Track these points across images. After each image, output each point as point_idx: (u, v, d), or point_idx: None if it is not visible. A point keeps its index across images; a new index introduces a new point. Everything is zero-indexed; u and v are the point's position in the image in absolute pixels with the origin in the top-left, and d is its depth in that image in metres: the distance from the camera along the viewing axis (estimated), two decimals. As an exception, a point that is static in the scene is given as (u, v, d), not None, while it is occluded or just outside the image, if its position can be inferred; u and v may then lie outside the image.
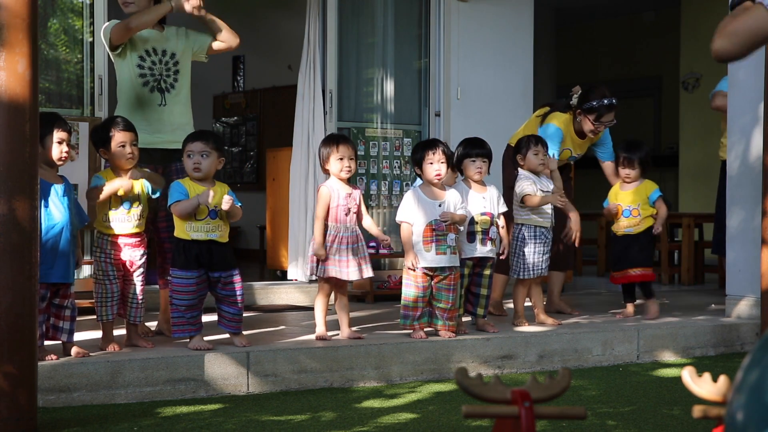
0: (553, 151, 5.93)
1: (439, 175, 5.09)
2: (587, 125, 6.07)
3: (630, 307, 6.09)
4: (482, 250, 5.33)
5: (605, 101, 6.03)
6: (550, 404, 2.11)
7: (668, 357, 5.66)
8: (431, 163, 5.09)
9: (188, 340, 4.65)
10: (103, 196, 4.57)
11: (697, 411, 2.00)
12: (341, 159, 5.01)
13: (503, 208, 5.45)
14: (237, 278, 4.67)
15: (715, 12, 9.76)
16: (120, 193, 4.61)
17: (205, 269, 4.59)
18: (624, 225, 6.02)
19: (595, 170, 6.08)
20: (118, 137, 4.65)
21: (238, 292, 4.67)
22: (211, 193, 4.55)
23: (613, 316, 6.14)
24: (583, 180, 7.49)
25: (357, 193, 5.11)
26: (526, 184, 5.61)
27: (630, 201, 6.00)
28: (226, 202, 4.57)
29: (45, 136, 4.28)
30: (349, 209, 5.02)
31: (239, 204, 4.68)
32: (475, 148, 5.40)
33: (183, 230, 4.60)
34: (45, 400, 4.06)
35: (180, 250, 4.60)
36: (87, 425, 3.85)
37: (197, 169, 4.62)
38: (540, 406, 2.03)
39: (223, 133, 11.66)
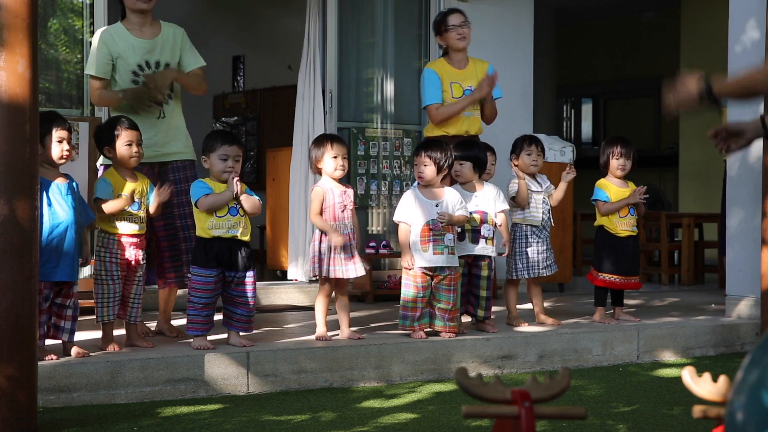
0: (435, 94, 5.83)
1: (420, 177, 5.10)
2: (448, 37, 5.94)
3: (603, 311, 5.90)
4: (474, 248, 5.33)
5: (443, 10, 6.09)
6: (550, 404, 2.11)
7: (668, 357, 5.66)
8: (415, 165, 5.13)
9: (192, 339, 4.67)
10: (110, 210, 4.59)
11: (697, 411, 2.00)
12: (335, 158, 5.01)
13: (503, 206, 5.45)
14: (250, 279, 4.70)
15: (715, 12, 9.75)
16: (126, 205, 4.64)
17: (223, 268, 4.62)
18: (630, 224, 5.86)
19: (597, 170, 6.03)
20: (126, 135, 4.67)
21: (249, 294, 4.71)
22: (236, 181, 4.58)
23: (612, 317, 6.05)
24: (583, 180, 7.47)
25: (351, 191, 5.12)
26: (513, 184, 5.62)
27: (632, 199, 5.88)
28: (241, 190, 4.63)
29: (45, 135, 4.28)
30: (345, 206, 5.03)
31: (257, 197, 4.75)
32: (459, 150, 5.40)
33: (204, 228, 4.63)
34: (45, 400, 4.06)
35: (201, 248, 4.64)
36: (87, 425, 3.85)
37: (229, 172, 4.63)
38: (540, 406, 2.03)
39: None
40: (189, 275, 4.77)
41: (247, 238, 4.71)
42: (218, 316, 4.80)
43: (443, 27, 5.98)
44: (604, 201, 5.82)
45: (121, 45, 5.11)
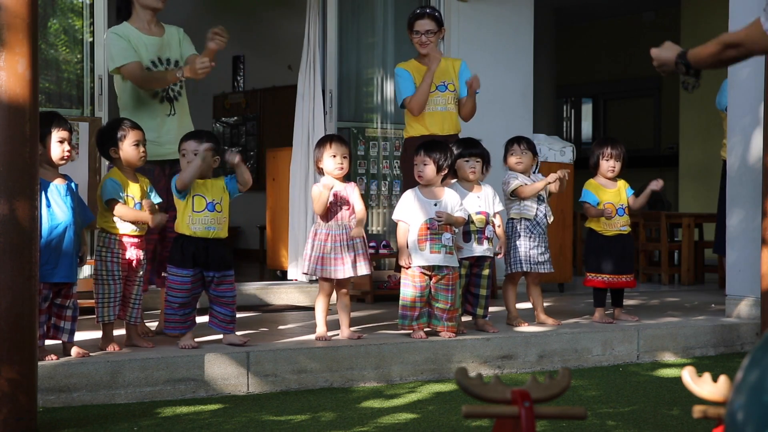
0: (409, 88, 5.85)
1: (420, 176, 5.11)
2: (412, 38, 5.96)
3: (603, 311, 5.90)
4: (479, 249, 5.34)
5: (417, 11, 6.06)
6: (550, 404, 2.11)
7: (668, 357, 5.66)
8: (415, 164, 5.13)
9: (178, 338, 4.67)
10: (125, 218, 4.59)
11: (697, 411, 2.00)
12: (334, 156, 5.02)
13: (499, 207, 5.46)
14: (230, 279, 4.70)
15: (715, 12, 9.75)
16: (142, 220, 4.63)
17: (200, 268, 4.62)
18: (620, 224, 5.90)
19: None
20: (132, 136, 4.68)
21: (230, 294, 4.70)
22: (203, 146, 4.61)
23: (611, 318, 6.03)
24: (583, 180, 7.47)
25: (351, 188, 5.12)
26: (512, 179, 5.65)
27: (621, 199, 5.90)
28: (233, 158, 4.61)
29: (45, 135, 4.28)
30: (340, 203, 5.03)
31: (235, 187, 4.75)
32: (468, 148, 5.42)
33: (184, 224, 4.64)
34: (45, 400, 4.06)
35: (178, 248, 4.64)
36: (87, 425, 3.85)
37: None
38: (540, 406, 2.03)
39: (222, 133, 11.65)
40: (164, 275, 4.76)
41: (224, 234, 4.69)
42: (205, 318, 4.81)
43: (409, 27, 6.01)
44: (591, 203, 5.86)
45: (135, 42, 5.13)
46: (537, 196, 5.70)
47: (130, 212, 4.60)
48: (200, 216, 4.63)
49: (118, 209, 4.58)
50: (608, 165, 5.87)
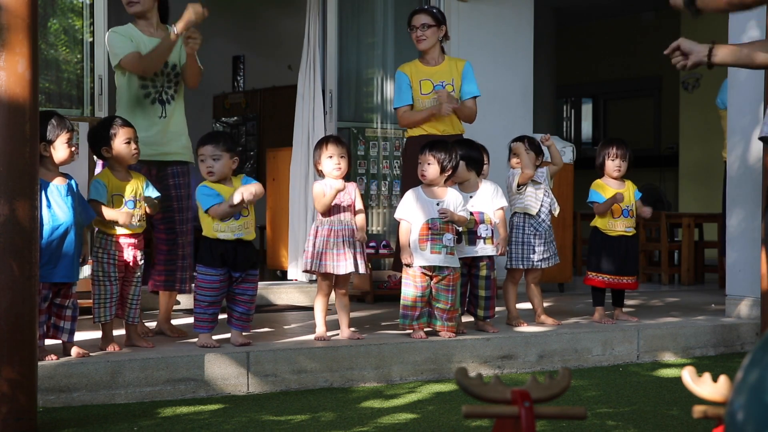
0: (403, 97, 5.85)
1: (423, 175, 5.11)
2: (411, 35, 5.98)
3: (602, 311, 5.91)
4: (471, 249, 5.33)
5: (418, 7, 6.10)
6: (550, 404, 2.11)
7: (668, 357, 5.66)
8: (419, 163, 5.14)
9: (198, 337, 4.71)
10: (108, 218, 4.59)
11: (697, 411, 2.00)
12: (330, 157, 5.03)
13: (501, 202, 5.45)
14: (254, 278, 4.74)
15: (714, 12, 9.74)
16: (121, 222, 4.63)
17: (228, 268, 4.64)
18: (624, 225, 5.92)
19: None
20: (123, 133, 4.67)
21: (250, 292, 4.74)
22: (237, 196, 4.59)
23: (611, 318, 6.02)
24: (583, 180, 7.48)
25: (351, 187, 5.12)
26: (514, 175, 5.68)
27: (628, 200, 5.90)
28: (249, 193, 4.62)
29: (55, 137, 4.31)
30: (341, 201, 5.03)
31: (254, 182, 4.77)
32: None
33: (210, 230, 4.66)
34: (45, 400, 4.06)
35: (207, 248, 4.67)
36: (87, 425, 3.85)
37: (210, 173, 4.67)
38: (540, 406, 2.03)
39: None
40: (195, 274, 4.78)
41: (252, 236, 4.74)
42: (222, 315, 4.81)
43: (408, 25, 6.02)
44: (599, 202, 5.84)
45: (136, 41, 5.13)
46: (543, 191, 5.70)
47: (113, 214, 4.60)
48: (227, 224, 4.66)
49: (104, 212, 4.58)
50: (614, 165, 5.86)
